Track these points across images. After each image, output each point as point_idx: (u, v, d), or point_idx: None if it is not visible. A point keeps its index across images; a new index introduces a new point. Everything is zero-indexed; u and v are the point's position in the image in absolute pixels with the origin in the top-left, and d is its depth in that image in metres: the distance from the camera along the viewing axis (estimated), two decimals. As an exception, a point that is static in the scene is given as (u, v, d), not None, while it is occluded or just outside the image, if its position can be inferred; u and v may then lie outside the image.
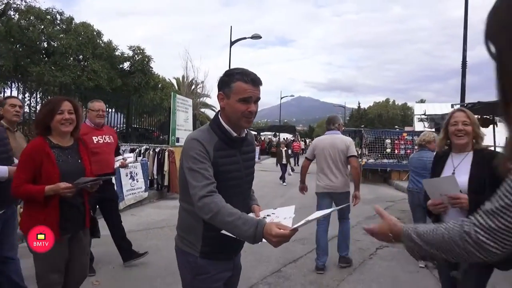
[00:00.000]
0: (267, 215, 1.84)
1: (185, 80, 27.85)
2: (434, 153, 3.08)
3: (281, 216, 1.79)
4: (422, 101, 44.24)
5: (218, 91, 1.85)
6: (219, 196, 1.68)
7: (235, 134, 1.85)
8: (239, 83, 1.77)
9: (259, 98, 1.83)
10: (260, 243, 1.59)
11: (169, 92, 21.18)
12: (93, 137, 4.03)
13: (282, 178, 13.37)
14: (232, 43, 22.17)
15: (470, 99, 12.82)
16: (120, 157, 4.52)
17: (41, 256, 2.44)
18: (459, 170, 2.38)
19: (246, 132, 1.95)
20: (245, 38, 22.52)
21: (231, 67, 20.84)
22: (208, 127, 1.88)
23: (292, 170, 14.31)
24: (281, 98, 46.18)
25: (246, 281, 4.10)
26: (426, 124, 11.81)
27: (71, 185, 2.36)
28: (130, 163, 4.92)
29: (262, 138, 35.13)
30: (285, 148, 14.42)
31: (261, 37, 21.92)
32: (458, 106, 9.81)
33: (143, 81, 19.55)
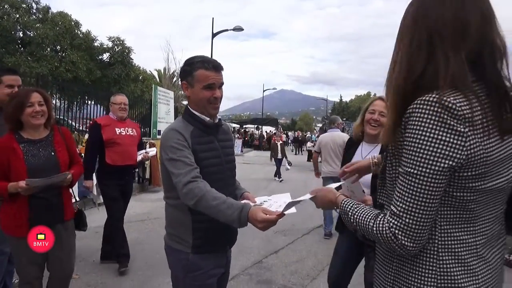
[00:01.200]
0: (264, 201, 1.82)
1: (166, 72, 27.55)
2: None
3: (278, 202, 1.76)
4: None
5: (181, 81, 1.87)
6: (203, 181, 1.66)
7: (208, 119, 1.86)
8: (201, 71, 1.78)
9: (222, 83, 1.86)
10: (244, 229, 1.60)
11: (150, 84, 20.91)
12: (116, 128, 4.02)
13: (278, 173, 12.40)
14: (214, 35, 22.01)
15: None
16: (143, 150, 4.51)
17: (16, 253, 2.43)
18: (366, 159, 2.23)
19: (219, 118, 1.97)
20: (227, 30, 22.36)
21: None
22: (181, 118, 1.90)
23: (290, 164, 13.04)
24: (264, 91, 46.22)
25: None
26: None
27: (25, 186, 2.25)
28: (152, 156, 4.97)
29: (246, 131, 34.96)
30: (281, 141, 13.29)
31: (243, 29, 21.77)
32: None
33: (124, 73, 19.25)
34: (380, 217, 1.05)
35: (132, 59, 20.61)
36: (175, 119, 11.11)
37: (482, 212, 1.02)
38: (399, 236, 0.98)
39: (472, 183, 0.97)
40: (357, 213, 1.14)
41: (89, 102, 10.69)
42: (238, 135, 28.26)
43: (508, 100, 0.97)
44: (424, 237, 0.99)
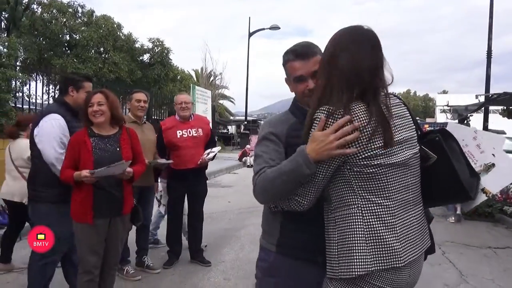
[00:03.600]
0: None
1: (203, 72, 27.96)
2: None
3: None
4: (444, 92, 43.22)
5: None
6: (268, 169, 1.48)
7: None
8: (289, 64, 1.65)
9: (315, 71, 1.55)
10: None
11: (188, 84, 21.29)
12: (177, 131, 4.04)
13: None
14: (250, 34, 22.10)
15: (495, 89, 12.46)
16: (208, 150, 4.17)
17: (79, 240, 2.70)
18: None
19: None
20: (263, 29, 22.42)
21: (249, 58, 20.55)
22: (287, 110, 1.78)
23: None
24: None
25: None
26: (449, 115, 11.57)
27: (88, 174, 2.51)
28: (210, 159, 4.14)
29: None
30: None
31: (279, 28, 21.74)
32: (483, 96, 9.54)
33: (163, 73, 19.66)
34: None
35: (171, 60, 21.05)
36: (212, 117, 11.29)
37: (390, 182, 1.36)
38: None
39: (372, 161, 1.33)
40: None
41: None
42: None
43: (385, 121, 1.34)
44: None
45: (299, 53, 1.62)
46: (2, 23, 12.03)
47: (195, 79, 28.46)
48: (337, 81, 1.36)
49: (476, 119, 10.89)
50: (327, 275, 1.44)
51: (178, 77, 22.68)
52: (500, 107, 11.94)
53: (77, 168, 2.63)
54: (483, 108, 10.22)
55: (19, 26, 13.12)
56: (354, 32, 1.42)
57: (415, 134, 1.49)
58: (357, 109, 1.33)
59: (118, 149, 2.73)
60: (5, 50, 7.73)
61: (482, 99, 9.65)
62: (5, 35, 9.59)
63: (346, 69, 1.35)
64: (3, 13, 12.02)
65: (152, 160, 3.79)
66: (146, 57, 20.57)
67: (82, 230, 2.68)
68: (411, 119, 1.50)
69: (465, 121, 9.32)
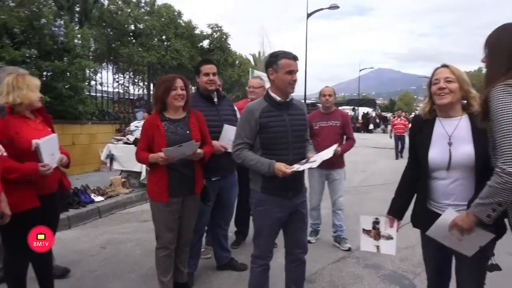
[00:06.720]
0: (314, 160, 2.47)
1: (261, 55, 27.93)
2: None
3: (319, 157, 2.51)
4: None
5: (268, 69, 2.54)
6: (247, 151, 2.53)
7: (279, 98, 2.54)
8: (284, 60, 2.46)
9: (298, 70, 2.54)
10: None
11: (246, 68, 21.41)
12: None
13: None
14: (308, 15, 21.60)
15: None
16: None
17: (157, 218, 2.88)
18: (457, 138, 1.97)
19: (291, 98, 2.61)
20: (322, 9, 21.77)
21: (307, 40, 20.18)
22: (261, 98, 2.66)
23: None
24: (360, 70, 44.37)
25: (333, 254, 4.12)
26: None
27: (163, 155, 2.65)
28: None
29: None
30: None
31: (339, 7, 21.04)
32: None
33: (222, 58, 19.95)
34: (493, 177, 1.60)
35: (230, 45, 21.27)
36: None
37: None
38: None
39: None
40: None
41: (192, 87, 11.36)
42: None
43: None
44: None
45: (294, 55, 2.52)
46: (75, 16, 12.85)
47: (253, 63, 28.54)
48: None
49: None
50: None
51: (237, 61, 22.87)
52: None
53: (151, 150, 2.79)
54: None
55: (90, 18, 13.93)
56: None
57: None
58: None
59: (188, 132, 2.86)
60: (79, 41, 8.24)
61: None
62: (78, 27, 10.22)
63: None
64: (76, 6, 12.82)
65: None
66: (205, 43, 20.96)
67: (158, 208, 2.86)
68: None
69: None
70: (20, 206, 2.40)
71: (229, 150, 2.97)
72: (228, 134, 3.18)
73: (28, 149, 2.44)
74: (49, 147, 2.56)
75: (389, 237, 2.22)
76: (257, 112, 2.48)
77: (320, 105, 4.60)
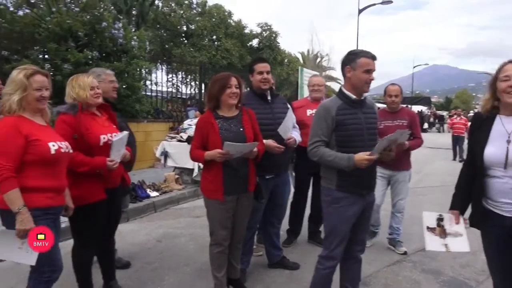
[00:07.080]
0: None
1: (310, 53, 27.68)
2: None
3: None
4: None
5: (345, 66, 2.54)
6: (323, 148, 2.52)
7: (354, 97, 2.55)
8: (363, 59, 2.47)
9: (374, 70, 2.53)
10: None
11: (295, 67, 21.29)
12: (307, 110, 4.14)
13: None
14: (360, 11, 21.07)
15: None
16: None
17: (211, 215, 2.90)
18: None
19: (365, 97, 2.61)
20: (374, 4, 21.16)
21: (358, 37, 19.74)
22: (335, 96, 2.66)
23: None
24: (414, 67, 42.61)
25: (388, 257, 3.99)
26: None
27: (223, 152, 2.65)
28: None
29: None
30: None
31: (392, 2, 20.32)
32: None
33: (271, 57, 20.00)
34: None
35: (279, 43, 21.26)
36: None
37: None
38: None
39: None
40: None
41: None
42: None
43: None
44: None
45: (373, 55, 2.51)
46: (132, 19, 13.46)
47: (301, 61, 28.34)
48: None
49: None
50: None
51: (286, 60, 22.82)
52: None
53: (205, 148, 2.80)
54: None
55: (146, 20, 14.52)
56: None
57: None
58: None
59: (241, 129, 2.85)
60: (136, 43, 8.62)
61: None
62: (135, 29, 10.69)
63: None
64: (133, 9, 13.42)
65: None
66: (255, 42, 21.11)
67: (213, 206, 2.87)
68: None
69: None
70: (88, 198, 2.58)
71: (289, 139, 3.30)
72: (287, 123, 3.28)
73: (97, 144, 2.60)
74: (120, 144, 2.73)
75: (457, 234, 2.12)
76: (333, 110, 2.49)
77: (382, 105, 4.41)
